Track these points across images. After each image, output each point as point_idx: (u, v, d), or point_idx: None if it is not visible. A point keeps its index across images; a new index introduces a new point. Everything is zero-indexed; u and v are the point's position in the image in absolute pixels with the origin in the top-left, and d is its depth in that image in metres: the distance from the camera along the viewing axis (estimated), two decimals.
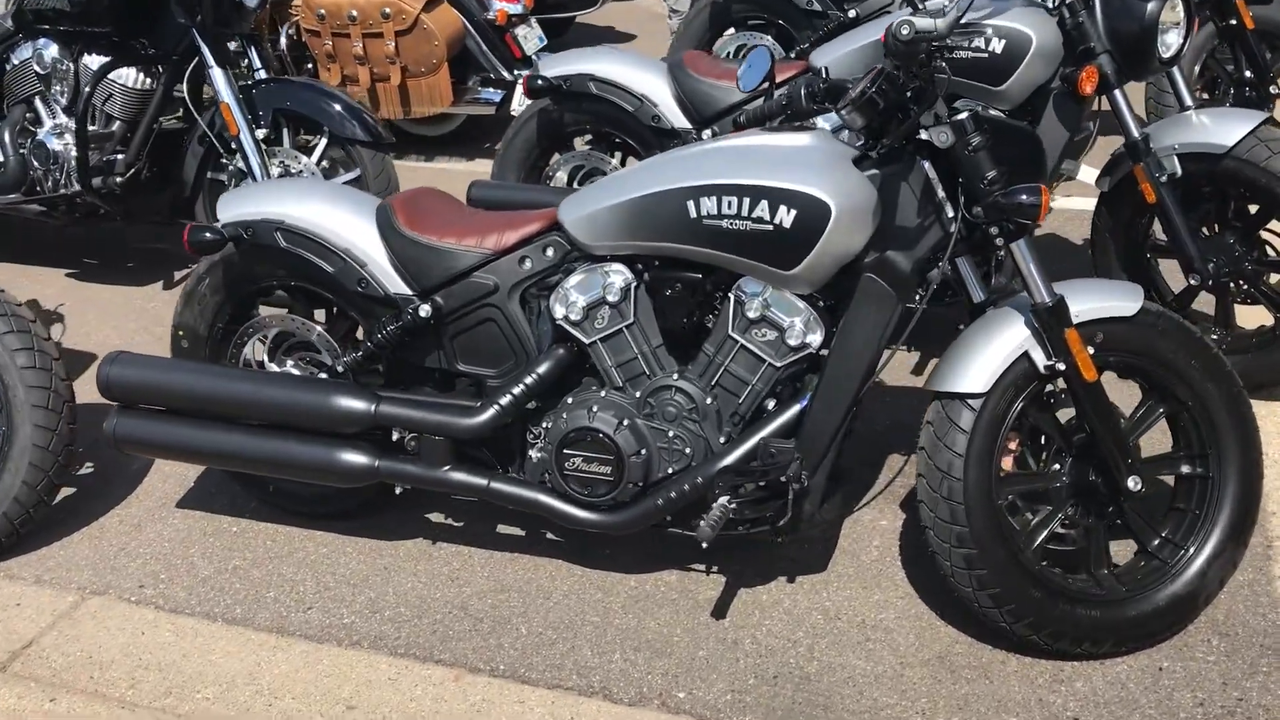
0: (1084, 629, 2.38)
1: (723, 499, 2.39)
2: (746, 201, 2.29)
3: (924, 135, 2.27)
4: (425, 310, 2.58)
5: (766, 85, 2.53)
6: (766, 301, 2.38)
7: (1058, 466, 2.46)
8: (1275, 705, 2.31)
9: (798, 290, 2.36)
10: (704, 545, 2.37)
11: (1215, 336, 3.29)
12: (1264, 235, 3.18)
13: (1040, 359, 2.31)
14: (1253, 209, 3.18)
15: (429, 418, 2.57)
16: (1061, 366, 2.29)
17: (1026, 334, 2.31)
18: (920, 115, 2.24)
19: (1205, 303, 3.40)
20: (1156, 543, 2.46)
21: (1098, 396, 2.32)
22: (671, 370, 2.50)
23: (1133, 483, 2.36)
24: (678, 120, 3.54)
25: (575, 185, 3.78)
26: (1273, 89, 4.14)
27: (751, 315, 2.39)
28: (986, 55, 3.07)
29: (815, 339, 2.38)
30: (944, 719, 2.33)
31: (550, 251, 2.55)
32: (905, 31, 2.12)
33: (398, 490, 2.74)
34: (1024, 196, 2.16)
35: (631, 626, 2.61)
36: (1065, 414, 2.47)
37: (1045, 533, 2.43)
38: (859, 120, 2.27)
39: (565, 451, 2.51)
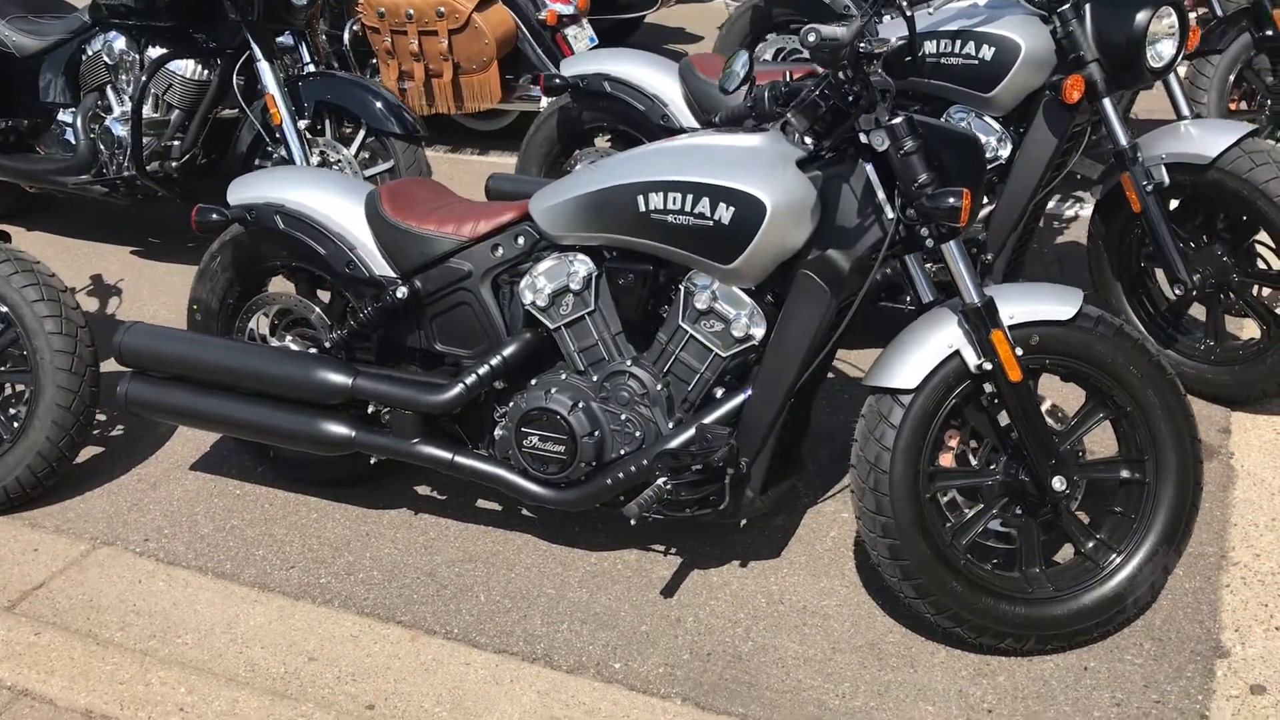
0: (1007, 624, 2.43)
1: (659, 480, 2.50)
2: (689, 198, 2.41)
3: (863, 139, 2.35)
4: (403, 292, 2.75)
5: (746, 87, 2.64)
6: (714, 294, 2.49)
7: (992, 465, 2.51)
8: (1192, 710, 2.33)
9: (740, 284, 2.47)
10: (631, 522, 2.49)
11: (1203, 348, 3.28)
12: (1257, 247, 3.16)
13: (971, 359, 2.37)
14: (1243, 219, 3.16)
15: (399, 392, 2.74)
16: (988, 366, 2.35)
17: (959, 333, 2.37)
18: (856, 118, 2.32)
19: (1201, 312, 3.39)
20: (1091, 545, 2.50)
21: (1022, 397, 2.38)
22: (628, 356, 2.62)
23: (1058, 483, 2.41)
24: (686, 120, 3.65)
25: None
26: None
27: (700, 306, 2.50)
28: (976, 62, 3.14)
29: (758, 332, 2.48)
30: (862, 703, 2.41)
31: (520, 240, 2.70)
32: (811, 39, 2.21)
33: (371, 460, 2.91)
34: (948, 200, 2.22)
35: (583, 600, 2.74)
36: (1004, 416, 2.52)
37: (978, 528, 2.48)
38: (803, 123, 2.38)
39: (524, 430, 2.65)
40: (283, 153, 4.21)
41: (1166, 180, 3.08)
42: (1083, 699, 2.38)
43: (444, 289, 2.76)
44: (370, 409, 2.86)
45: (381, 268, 2.81)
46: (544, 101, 4.43)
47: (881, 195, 2.39)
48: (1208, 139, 3.05)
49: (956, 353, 2.38)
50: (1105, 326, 2.42)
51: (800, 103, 2.34)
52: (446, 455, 2.74)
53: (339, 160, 4.21)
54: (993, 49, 3.10)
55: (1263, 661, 2.43)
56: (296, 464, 3.15)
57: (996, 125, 3.23)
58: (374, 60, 5.63)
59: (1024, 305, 2.38)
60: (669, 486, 2.50)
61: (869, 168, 2.39)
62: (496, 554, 2.91)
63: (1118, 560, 2.46)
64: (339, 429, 2.80)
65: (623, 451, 2.63)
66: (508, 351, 2.69)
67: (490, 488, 2.81)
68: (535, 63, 5.38)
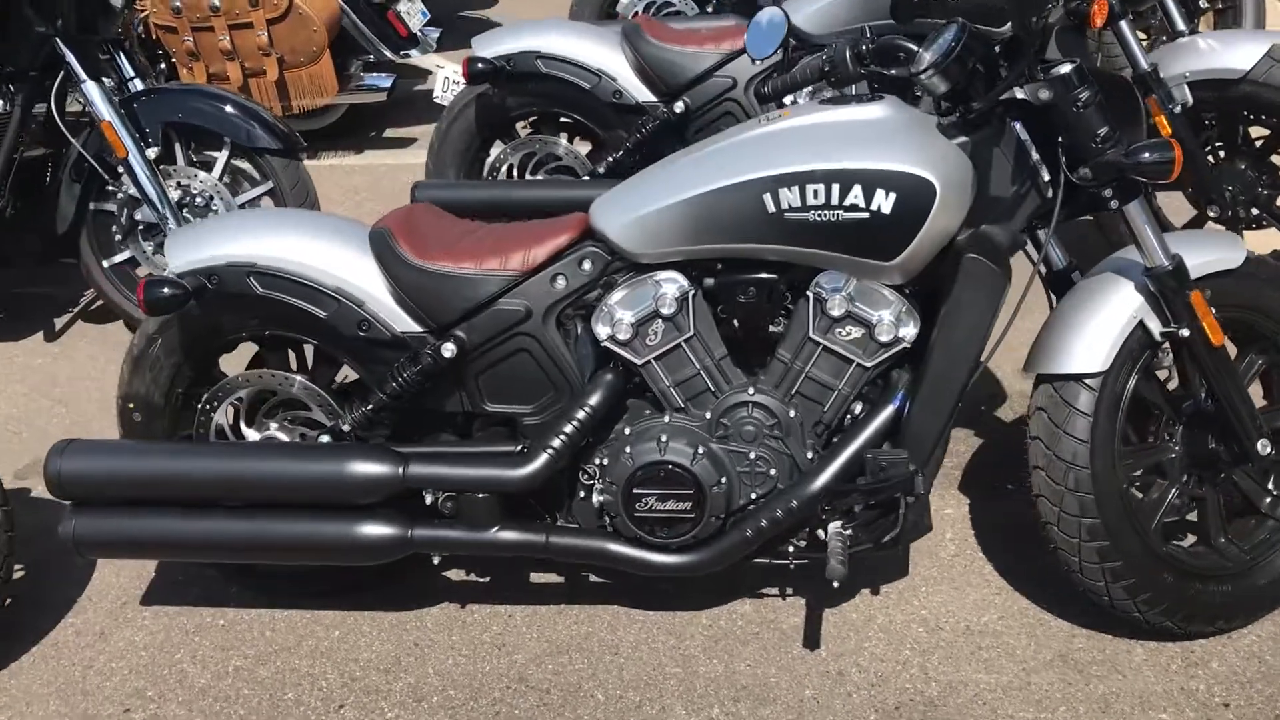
0: (1217, 606, 2.23)
1: (835, 525, 2.13)
2: (836, 188, 2.01)
3: (1019, 94, 2.02)
4: (450, 349, 2.21)
5: (781, 51, 2.25)
6: (850, 295, 2.11)
7: (1168, 438, 2.27)
8: None
9: (891, 281, 2.10)
10: (835, 584, 2.10)
11: None
12: (1276, 159, 3.09)
13: (1156, 327, 2.13)
14: (1260, 133, 3.07)
15: (471, 474, 2.21)
16: (1185, 333, 2.10)
17: (1140, 301, 2.12)
18: (1017, 73, 1.99)
19: None
20: (1269, 501, 2.31)
21: (1224, 361, 2.15)
22: (742, 384, 2.21)
23: (1262, 446, 2.20)
24: (642, 94, 3.22)
25: (531, 175, 3.41)
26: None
27: (835, 313, 2.11)
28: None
29: (909, 332, 2.12)
30: None
31: (587, 265, 2.22)
32: None
33: (435, 560, 2.36)
34: (1148, 154, 1.94)
35: (720, 673, 2.32)
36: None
37: (1162, 510, 2.25)
38: (942, 85, 2.02)
39: (635, 491, 2.19)
40: (129, 191, 3.44)
41: (1190, 100, 2.92)
42: None
43: (496, 338, 2.24)
44: (430, 498, 2.30)
45: (405, 324, 2.25)
46: (440, 90, 3.83)
47: (1036, 156, 2.08)
48: (1234, 51, 2.93)
49: (1140, 323, 2.11)
50: (1267, 268, 2.22)
51: (943, 61, 1.97)
52: (539, 538, 2.24)
53: (201, 190, 3.49)
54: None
55: None
56: (292, 576, 2.54)
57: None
58: (163, 66, 4.79)
59: (1197, 258, 2.14)
60: (849, 530, 2.12)
61: (1018, 127, 2.07)
62: (588, 637, 2.44)
63: None
64: (389, 530, 2.24)
65: (754, 495, 2.22)
66: (593, 401, 2.21)
67: (591, 564, 2.33)
68: (366, 47, 4.73)
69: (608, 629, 2.45)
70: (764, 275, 2.14)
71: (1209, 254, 2.17)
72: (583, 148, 3.52)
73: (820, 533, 2.19)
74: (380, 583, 2.55)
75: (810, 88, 2.42)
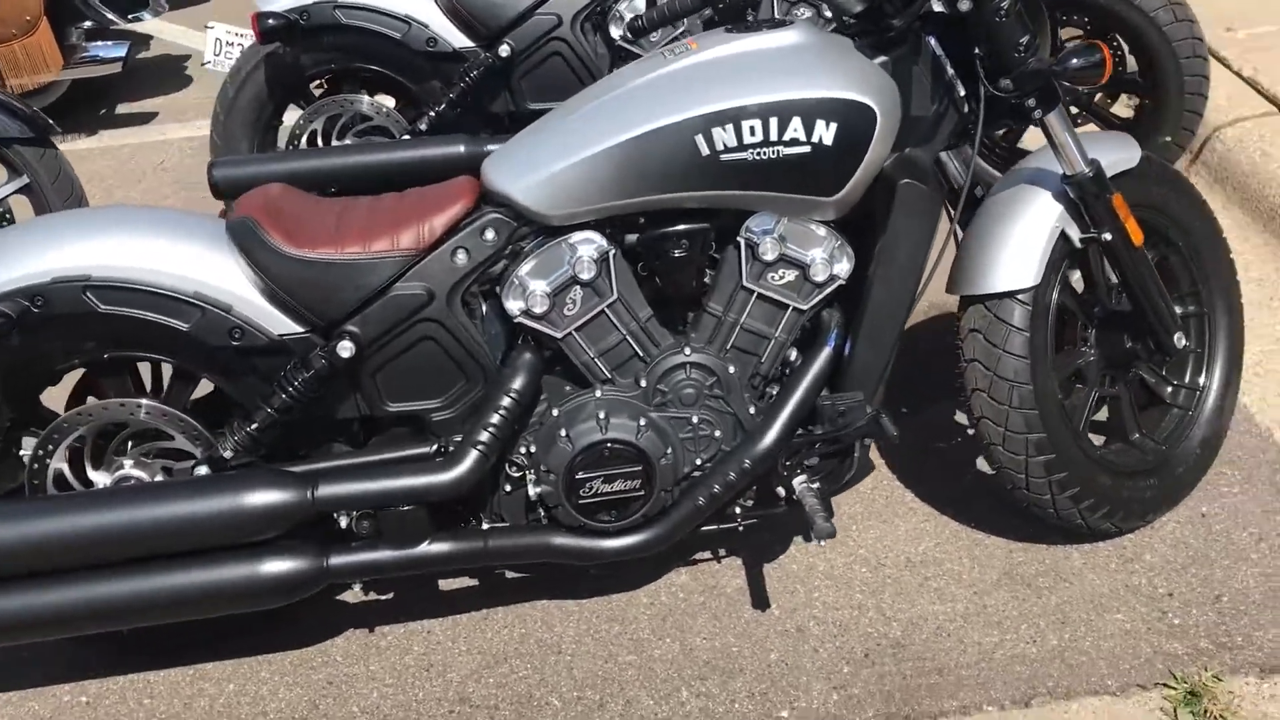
0: (1148, 501, 2.27)
1: (800, 480, 2.01)
2: (774, 122, 1.85)
3: (935, 6, 1.92)
4: (347, 348, 1.92)
5: None
6: (782, 237, 1.97)
7: (1083, 342, 2.28)
8: None
9: (825, 217, 1.97)
10: (820, 543, 1.99)
11: None
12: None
13: (1076, 234, 2.10)
14: (1073, 33, 3.14)
15: (391, 485, 1.94)
16: (1108, 236, 2.09)
17: (1059, 209, 2.09)
18: None
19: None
20: (1170, 390, 2.37)
21: (1144, 260, 2.15)
22: (671, 345, 2.03)
23: (1178, 339, 2.24)
24: (458, 40, 2.93)
25: (337, 140, 3.06)
26: None
27: (768, 257, 1.96)
28: (810, 149, 2.27)
29: (844, 268, 2.00)
30: (1057, 639, 2.14)
31: (491, 234, 1.97)
32: None
33: (351, 591, 2.08)
34: (1078, 59, 1.93)
35: (677, 652, 2.18)
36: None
37: (1086, 415, 2.26)
38: (858, 3, 1.90)
39: (578, 477, 1.99)
40: None
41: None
42: (1228, 545, 2.29)
43: (395, 328, 1.96)
44: (344, 521, 2.01)
45: (284, 325, 1.94)
46: (211, 54, 3.35)
47: (952, 71, 1.98)
48: None
49: (1061, 231, 2.09)
50: (1157, 166, 2.26)
51: None
52: (477, 544, 2.01)
53: None
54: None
55: None
56: (134, 631, 2.18)
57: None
58: None
59: (1104, 160, 2.12)
60: (815, 483, 2.01)
61: (932, 41, 1.98)
62: (524, 639, 2.23)
63: (1201, 396, 2.36)
64: (302, 563, 1.94)
65: (700, 460, 2.07)
66: (516, 385, 1.98)
67: (531, 563, 2.12)
68: (87, 13, 4.13)
69: (542, 627, 2.25)
70: (691, 225, 1.96)
71: (1111, 154, 2.15)
72: (387, 102, 3.20)
73: (779, 489, 2.07)
74: (264, 623, 2.23)
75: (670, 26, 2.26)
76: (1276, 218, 3.19)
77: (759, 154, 1.87)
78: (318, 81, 3.18)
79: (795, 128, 1.86)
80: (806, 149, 1.87)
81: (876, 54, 1.96)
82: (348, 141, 3.03)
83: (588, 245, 1.94)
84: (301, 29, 2.91)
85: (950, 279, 2.16)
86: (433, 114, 2.97)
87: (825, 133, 1.87)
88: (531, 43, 2.97)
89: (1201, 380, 2.37)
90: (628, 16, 2.69)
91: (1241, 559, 2.26)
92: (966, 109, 2.00)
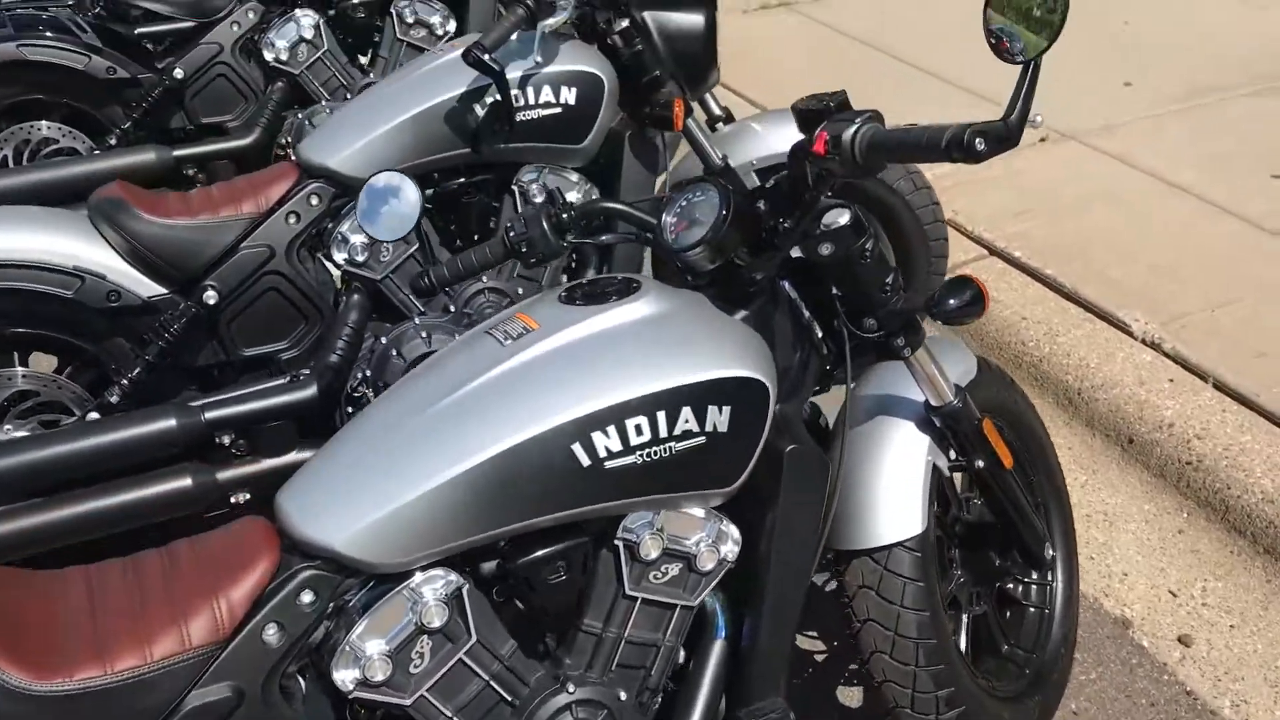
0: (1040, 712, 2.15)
1: None
2: (662, 417, 1.52)
3: (795, 254, 1.73)
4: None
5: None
6: (661, 529, 1.58)
7: (951, 565, 2.11)
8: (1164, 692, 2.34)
9: (716, 504, 1.65)
10: None
11: None
12: None
13: (944, 463, 1.96)
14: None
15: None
16: (980, 464, 1.97)
17: (927, 441, 1.92)
18: (799, 232, 1.63)
19: None
20: (1023, 589, 2.22)
21: (1011, 480, 2.02)
22: (545, 682, 1.60)
23: (1048, 550, 2.14)
24: (147, 289, 2.47)
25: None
26: None
27: (650, 556, 1.58)
28: (561, 109, 2.58)
29: (730, 549, 1.65)
30: None
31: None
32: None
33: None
34: (954, 301, 1.75)
35: None
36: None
37: (967, 642, 2.13)
38: (709, 262, 1.60)
39: None
40: None
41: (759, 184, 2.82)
42: None
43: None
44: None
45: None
46: None
47: (808, 314, 1.77)
48: (794, 133, 2.83)
49: (933, 465, 1.93)
50: (991, 369, 2.13)
51: (718, 232, 1.57)
52: None
53: None
54: (574, 89, 2.58)
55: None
56: None
57: (576, 177, 2.70)
58: None
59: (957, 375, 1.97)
60: None
61: (788, 287, 1.75)
62: None
63: (1052, 590, 2.22)
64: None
65: None
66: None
67: None
68: None
69: None
70: (568, 543, 1.55)
71: (957, 369, 1.98)
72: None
73: None
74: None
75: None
76: (1022, 365, 3.18)
77: (650, 454, 1.52)
78: None
79: (686, 418, 1.54)
80: (702, 439, 1.55)
81: (735, 309, 1.68)
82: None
83: (433, 585, 1.48)
84: None
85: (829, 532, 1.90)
86: (125, 381, 2.42)
87: (719, 418, 1.56)
88: (241, 282, 2.47)
89: (1049, 574, 2.22)
90: (353, 239, 2.46)
91: None
92: (825, 350, 1.79)
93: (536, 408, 1.47)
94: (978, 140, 1.35)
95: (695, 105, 2.80)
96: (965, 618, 2.12)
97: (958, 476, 2.10)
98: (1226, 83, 4.51)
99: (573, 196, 2.59)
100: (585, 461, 1.48)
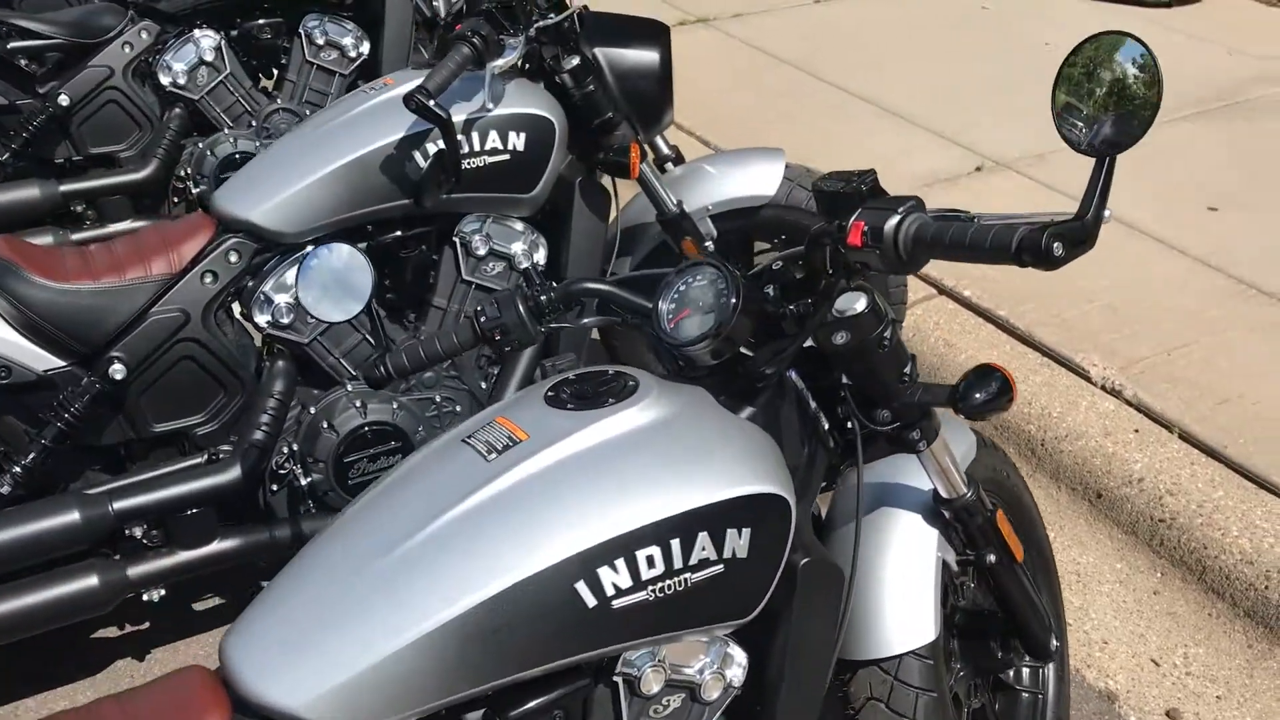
0: None
1: None
2: (676, 545, 1.33)
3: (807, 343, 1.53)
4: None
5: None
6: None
7: (951, 658, 1.95)
8: None
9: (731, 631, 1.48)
10: None
11: None
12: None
13: (954, 559, 1.81)
14: (760, 246, 2.97)
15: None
16: (991, 559, 1.79)
17: (936, 535, 1.77)
18: (817, 320, 1.46)
19: None
20: (1014, 673, 2.11)
21: (1021, 573, 1.86)
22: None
23: (1053, 641, 1.95)
24: (42, 363, 2.17)
25: None
26: None
27: (651, 691, 1.44)
28: (509, 156, 2.33)
29: (737, 675, 1.50)
30: None
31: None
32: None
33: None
34: (981, 394, 1.46)
35: None
36: None
37: None
38: (714, 357, 1.43)
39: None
40: None
41: (715, 233, 2.63)
42: None
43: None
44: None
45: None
46: None
47: (815, 405, 1.59)
48: (754, 178, 2.71)
49: (943, 562, 1.78)
50: (987, 443, 1.98)
51: (727, 326, 1.39)
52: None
53: None
54: (523, 134, 2.33)
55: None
56: None
57: (521, 227, 2.43)
58: None
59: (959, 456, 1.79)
60: None
61: (794, 376, 1.57)
62: None
63: (1045, 670, 2.12)
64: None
65: None
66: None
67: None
68: None
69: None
70: (562, 690, 1.39)
71: (959, 450, 1.81)
72: None
73: None
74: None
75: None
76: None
77: (662, 589, 1.33)
78: None
79: (704, 546, 1.35)
80: (719, 569, 1.36)
81: (741, 405, 1.49)
82: None
83: None
84: None
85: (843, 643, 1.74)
86: (19, 468, 2.13)
87: (739, 543, 1.37)
88: (151, 352, 2.20)
89: (1031, 663, 2.06)
90: (277, 299, 2.23)
91: None
92: (832, 444, 1.60)
93: (534, 541, 1.26)
94: (1056, 245, 1.18)
95: (645, 146, 2.62)
96: (965, 711, 1.97)
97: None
98: None
99: (517, 248, 2.39)
100: (591, 602, 1.27)
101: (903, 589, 1.74)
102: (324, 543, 1.34)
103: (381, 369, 1.64)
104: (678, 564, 1.32)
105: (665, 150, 2.81)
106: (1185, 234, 3.61)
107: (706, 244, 2.58)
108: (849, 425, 1.55)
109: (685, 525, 1.33)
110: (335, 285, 2.18)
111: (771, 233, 2.82)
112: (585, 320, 1.65)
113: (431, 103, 2.07)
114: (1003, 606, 1.93)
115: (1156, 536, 2.61)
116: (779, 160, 2.74)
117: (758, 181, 2.70)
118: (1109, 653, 2.44)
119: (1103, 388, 2.95)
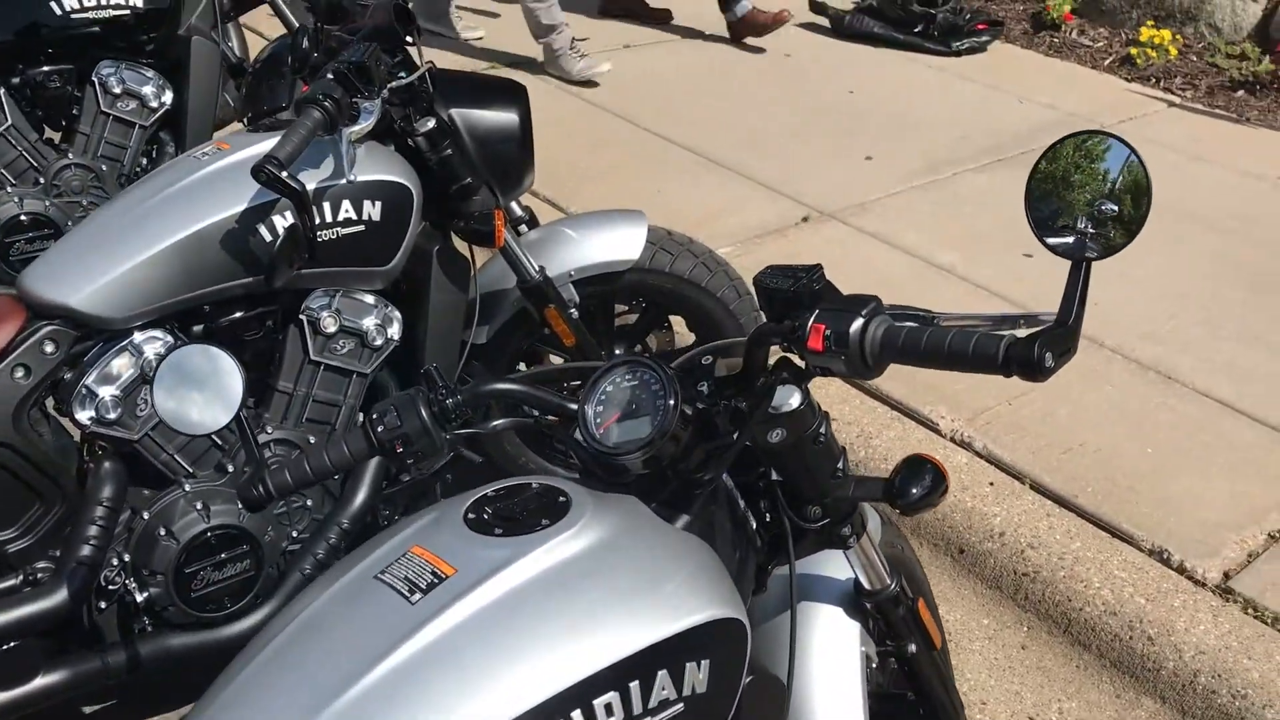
0: None
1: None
2: (635, 689, 1.21)
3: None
4: None
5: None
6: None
7: None
8: None
9: None
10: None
11: None
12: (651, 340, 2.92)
13: (874, 652, 1.76)
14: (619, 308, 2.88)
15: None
16: (913, 648, 1.75)
17: (858, 630, 1.69)
18: (755, 421, 1.37)
19: None
20: None
21: (938, 660, 1.82)
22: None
23: None
24: None
25: None
26: None
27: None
28: (364, 226, 2.15)
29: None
30: None
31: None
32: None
33: None
34: (916, 489, 1.42)
35: None
36: None
37: None
38: (646, 466, 1.32)
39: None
40: None
41: (577, 299, 2.57)
42: None
43: None
44: None
45: None
46: None
47: (744, 504, 1.53)
48: (617, 242, 2.62)
49: (865, 655, 1.71)
50: (888, 521, 1.91)
51: (660, 436, 1.27)
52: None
53: None
54: (379, 203, 2.16)
55: None
56: None
57: (373, 299, 2.23)
58: None
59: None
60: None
61: (724, 477, 1.48)
62: None
63: None
64: None
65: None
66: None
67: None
68: None
69: None
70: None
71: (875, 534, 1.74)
72: None
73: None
74: None
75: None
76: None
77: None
78: None
79: (663, 686, 1.23)
80: (679, 708, 1.27)
81: (675, 514, 1.37)
82: None
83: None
84: None
85: None
86: None
87: (699, 676, 1.28)
88: None
89: None
90: (101, 392, 2.00)
91: None
92: (759, 544, 1.54)
93: (478, 701, 1.10)
94: (1047, 356, 1.13)
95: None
96: None
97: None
98: (959, 156, 4.67)
99: (369, 323, 2.20)
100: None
101: (833, 690, 1.67)
102: (227, 702, 1.14)
103: (259, 488, 1.44)
104: (637, 709, 1.20)
105: (519, 213, 2.67)
106: (1003, 280, 3.73)
107: (570, 311, 2.50)
108: (772, 521, 1.48)
109: (644, 664, 1.20)
110: (199, 394, 1.93)
111: (634, 297, 2.77)
112: (495, 424, 1.50)
113: (284, 174, 1.87)
114: (918, 694, 1.86)
115: (1021, 591, 2.65)
116: (641, 223, 2.65)
117: (621, 246, 2.61)
118: (989, 714, 2.44)
119: (953, 440, 2.99)
